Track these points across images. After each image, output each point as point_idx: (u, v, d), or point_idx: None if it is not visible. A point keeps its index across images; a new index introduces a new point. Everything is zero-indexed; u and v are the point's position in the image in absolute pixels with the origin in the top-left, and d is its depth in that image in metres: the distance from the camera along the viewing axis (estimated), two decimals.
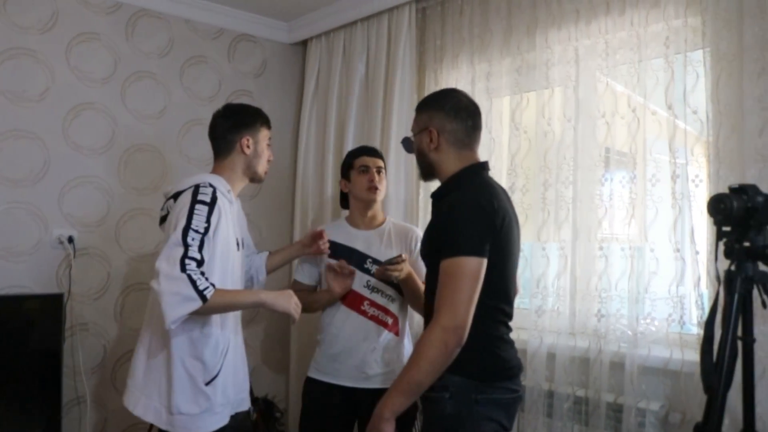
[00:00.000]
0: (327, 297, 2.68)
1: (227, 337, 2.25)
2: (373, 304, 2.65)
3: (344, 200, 2.86)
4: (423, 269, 2.55)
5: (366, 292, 2.66)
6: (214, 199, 2.13)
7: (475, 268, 1.81)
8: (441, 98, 2.07)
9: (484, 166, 2.06)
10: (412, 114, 3.28)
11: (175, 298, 1.95)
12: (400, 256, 2.46)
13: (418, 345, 1.82)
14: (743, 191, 1.74)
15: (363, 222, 2.78)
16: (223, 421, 2.23)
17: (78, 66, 3.28)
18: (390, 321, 2.66)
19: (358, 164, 2.75)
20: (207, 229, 2.07)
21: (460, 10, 3.23)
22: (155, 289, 1.97)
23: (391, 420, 1.82)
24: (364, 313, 2.65)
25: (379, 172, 2.73)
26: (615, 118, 2.62)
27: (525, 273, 2.83)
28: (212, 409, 2.17)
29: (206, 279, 2.02)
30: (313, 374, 2.73)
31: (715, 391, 1.70)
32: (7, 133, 3.07)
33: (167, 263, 1.98)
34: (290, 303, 2.22)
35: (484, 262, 1.83)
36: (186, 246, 2.01)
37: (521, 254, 2.84)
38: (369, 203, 2.74)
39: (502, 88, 3.05)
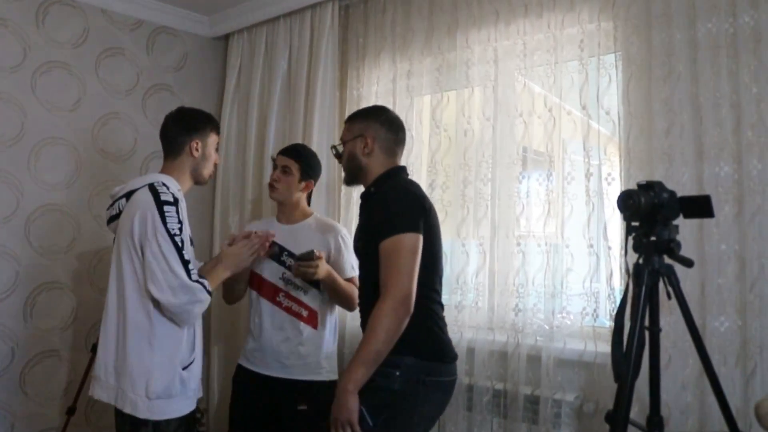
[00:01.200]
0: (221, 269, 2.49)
1: (196, 326, 2.35)
2: (287, 296, 2.67)
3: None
4: (346, 267, 2.66)
5: (281, 284, 2.69)
6: (175, 197, 2.22)
7: (413, 243, 2.00)
8: (376, 111, 2.33)
9: (405, 169, 2.30)
10: (335, 111, 3.36)
11: (196, 305, 2.17)
12: (312, 252, 2.47)
13: (372, 318, 1.95)
14: (650, 188, 1.82)
15: (284, 216, 2.79)
16: (193, 406, 2.33)
17: None
18: (305, 313, 2.66)
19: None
20: (181, 229, 2.19)
21: (382, 9, 3.25)
22: (172, 303, 2.12)
23: (355, 392, 1.93)
24: (279, 304, 2.68)
25: (284, 171, 2.72)
26: (532, 117, 2.70)
27: (445, 269, 2.87)
28: (186, 393, 2.26)
29: (199, 275, 2.21)
30: (241, 361, 2.77)
31: (624, 379, 1.77)
32: None
33: (174, 276, 2.12)
34: (244, 260, 2.45)
35: (420, 237, 2.02)
36: (179, 253, 2.15)
37: None
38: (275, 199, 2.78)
39: (422, 86, 3.09)
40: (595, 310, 2.48)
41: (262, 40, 3.72)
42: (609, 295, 2.46)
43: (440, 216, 2.90)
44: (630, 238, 1.90)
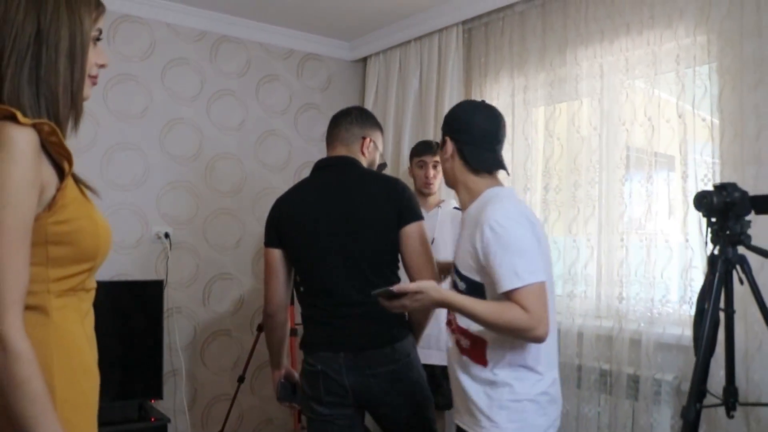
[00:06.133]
0: None
1: None
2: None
3: None
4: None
5: None
6: None
7: (266, 257, 2.30)
8: None
9: (326, 161, 2.36)
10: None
11: None
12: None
13: None
14: (723, 188, 2.10)
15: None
16: None
17: (172, 87, 3.84)
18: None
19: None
20: None
21: (501, 31, 3.63)
22: None
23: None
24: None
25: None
26: (634, 126, 2.97)
27: (558, 263, 3.21)
28: None
29: None
30: None
31: (697, 352, 2.07)
32: (115, 146, 3.65)
33: None
34: None
35: (271, 251, 2.28)
36: None
37: (554, 246, 3.23)
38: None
39: (537, 99, 3.44)
40: (691, 298, 2.72)
41: (396, 62, 4.21)
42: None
43: (553, 215, 3.26)
44: (709, 232, 2.18)
